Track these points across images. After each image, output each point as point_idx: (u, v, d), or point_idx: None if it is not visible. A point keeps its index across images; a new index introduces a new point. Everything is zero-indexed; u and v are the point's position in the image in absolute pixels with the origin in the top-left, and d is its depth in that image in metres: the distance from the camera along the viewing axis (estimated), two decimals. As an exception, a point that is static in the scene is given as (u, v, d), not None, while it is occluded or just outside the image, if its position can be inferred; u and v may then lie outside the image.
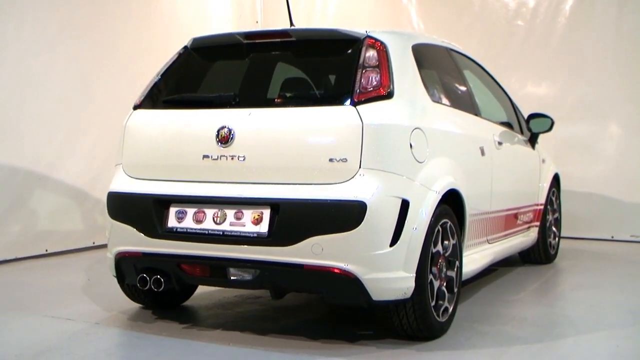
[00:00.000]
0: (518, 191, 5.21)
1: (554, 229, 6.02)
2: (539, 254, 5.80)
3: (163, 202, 3.62)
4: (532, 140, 5.54)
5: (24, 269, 5.61)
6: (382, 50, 3.58)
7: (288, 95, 3.79)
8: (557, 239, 6.08)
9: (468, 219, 4.05)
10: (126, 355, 3.56)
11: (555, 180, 6.00)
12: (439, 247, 3.67)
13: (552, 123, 5.50)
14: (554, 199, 5.98)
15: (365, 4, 8.39)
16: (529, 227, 5.50)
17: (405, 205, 3.38)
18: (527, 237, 5.45)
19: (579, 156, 7.25)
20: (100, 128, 6.48)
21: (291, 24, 4.49)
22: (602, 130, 7.22)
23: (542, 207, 5.66)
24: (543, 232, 5.73)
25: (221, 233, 3.45)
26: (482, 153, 4.38)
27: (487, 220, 4.50)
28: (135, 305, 4.27)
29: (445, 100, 4.17)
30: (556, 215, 6.08)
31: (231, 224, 3.45)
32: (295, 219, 3.33)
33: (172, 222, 3.58)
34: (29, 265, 5.73)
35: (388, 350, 3.51)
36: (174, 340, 3.65)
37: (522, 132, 5.42)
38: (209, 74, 4.10)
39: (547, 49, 7.44)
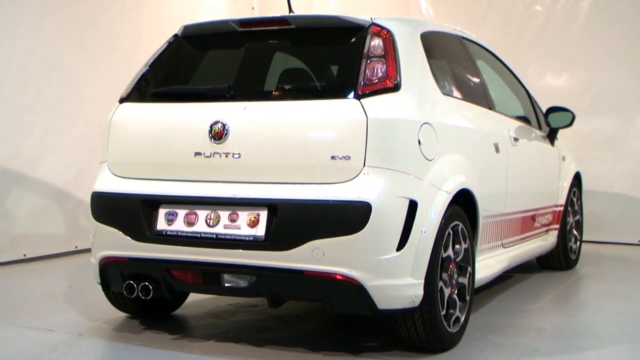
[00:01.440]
0: (536, 191, 5.23)
1: (575, 232, 6.04)
2: (559, 260, 5.82)
3: (152, 203, 3.64)
4: (551, 136, 5.57)
5: (0, 275, 5.64)
6: (389, 38, 3.60)
7: (287, 87, 3.81)
8: (578, 243, 6.10)
9: (481, 221, 4.08)
10: (112, 368, 3.60)
11: (577, 179, 6.03)
12: (450, 252, 3.70)
13: (573, 117, 5.52)
14: (575, 199, 6.01)
15: (370, -12, 8.42)
16: (547, 230, 5.52)
17: (413, 206, 3.40)
18: (545, 241, 5.48)
19: (602, 153, 7.27)
20: (84, 122, 6.51)
21: (290, 10, 4.51)
22: (628, 125, 7.24)
23: (562, 208, 5.69)
24: (563, 235, 5.75)
25: (214, 236, 3.47)
26: (497, 150, 4.41)
27: (502, 222, 4.53)
28: (121, 315, 4.30)
29: (456, 93, 4.19)
30: (577, 217, 6.10)
31: (225, 227, 3.48)
32: (294, 221, 3.36)
33: (161, 224, 3.60)
34: (5, 272, 5.75)
35: (395, 363, 3.54)
36: (163, 352, 3.67)
37: (540, 127, 5.45)
38: (201, 65, 4.13)
39: (569, 37, 7.46)
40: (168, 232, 3.58)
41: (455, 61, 4.47)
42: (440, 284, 3.61)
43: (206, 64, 4.13)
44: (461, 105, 4.18)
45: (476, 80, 4.59)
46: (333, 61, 3.99)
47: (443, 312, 3.63)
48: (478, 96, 4.50)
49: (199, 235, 3.50)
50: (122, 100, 3.95)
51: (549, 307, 4.87)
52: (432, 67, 3.86)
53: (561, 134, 5.70)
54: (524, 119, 5.24)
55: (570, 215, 5.91)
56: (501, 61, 5.25)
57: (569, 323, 4.40)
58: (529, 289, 5.25)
